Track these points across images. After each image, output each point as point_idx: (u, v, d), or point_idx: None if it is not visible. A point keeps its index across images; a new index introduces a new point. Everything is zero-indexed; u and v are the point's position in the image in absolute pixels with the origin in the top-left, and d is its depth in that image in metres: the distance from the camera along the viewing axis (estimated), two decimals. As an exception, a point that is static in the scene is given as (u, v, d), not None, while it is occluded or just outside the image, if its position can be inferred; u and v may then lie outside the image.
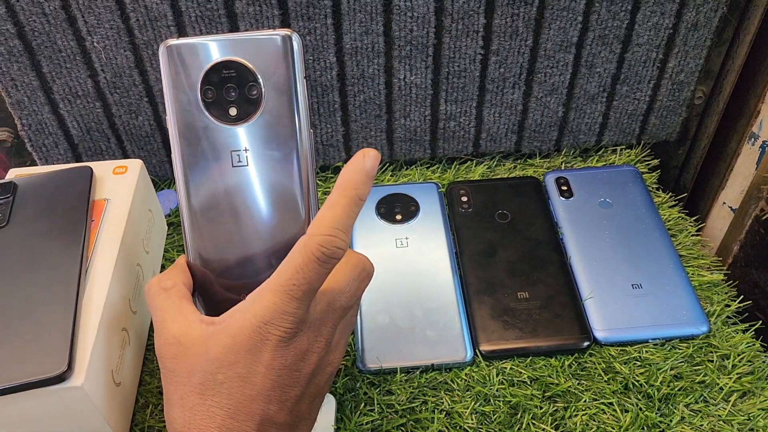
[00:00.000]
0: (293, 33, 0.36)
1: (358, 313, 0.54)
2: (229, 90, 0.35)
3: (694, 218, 0.63)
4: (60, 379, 0.41)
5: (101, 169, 0.54)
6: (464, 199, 0.63)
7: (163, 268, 0.59)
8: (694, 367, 0.51)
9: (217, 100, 0.36)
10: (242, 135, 0.36)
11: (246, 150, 0.36)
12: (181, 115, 0.36)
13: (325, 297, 0.36)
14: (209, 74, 0.35)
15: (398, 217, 0.61)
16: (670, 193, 0.65)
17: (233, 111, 0.36)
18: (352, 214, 0.34)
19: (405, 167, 0.67)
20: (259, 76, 0.35)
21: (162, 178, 0.65)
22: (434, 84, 0.60)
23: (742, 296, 0.58)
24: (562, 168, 0.67)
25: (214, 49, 0.35)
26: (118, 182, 0.54)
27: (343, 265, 0.37)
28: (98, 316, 0.44)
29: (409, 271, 0.57)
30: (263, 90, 0.36)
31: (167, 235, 0.62)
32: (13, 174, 0.54)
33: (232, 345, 0.33)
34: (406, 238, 0.59)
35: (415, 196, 0.63)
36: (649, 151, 0.68)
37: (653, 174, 0.66)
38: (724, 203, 0.73)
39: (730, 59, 0.63)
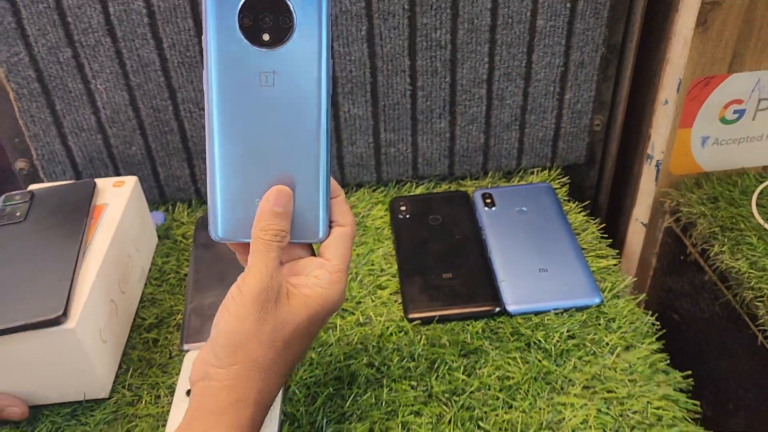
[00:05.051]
0: None
1: None
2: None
3: (615, 238, 0.73)
4: (56, 322, 0.51)
5: (104, 183, 0.67)
6: (403, 208, 0.75)
7: (151, 270, 0.70)
8: (586, 329, 0.61)
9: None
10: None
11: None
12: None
13: None
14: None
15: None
16: (577, 203, 0.76)
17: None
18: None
19: (355, 189, 0.80)
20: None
21: (150, 201, 0.78)
22: (374, 115, 0.74)
23: (650, 299, 0.68)
24: (489, 187, 0.79)
25: None
26: (117, 193, 0.66)
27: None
28: (90, 282, 0.56)
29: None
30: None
31: (156, 246, 0.73)
32: (33, 187, 0.67)
33: None
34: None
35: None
36: (561, 171, 0.80)
37: (562, 189, 0.78)
38: (637, 219, 0.85)
39: (618, 92, 0.77)
